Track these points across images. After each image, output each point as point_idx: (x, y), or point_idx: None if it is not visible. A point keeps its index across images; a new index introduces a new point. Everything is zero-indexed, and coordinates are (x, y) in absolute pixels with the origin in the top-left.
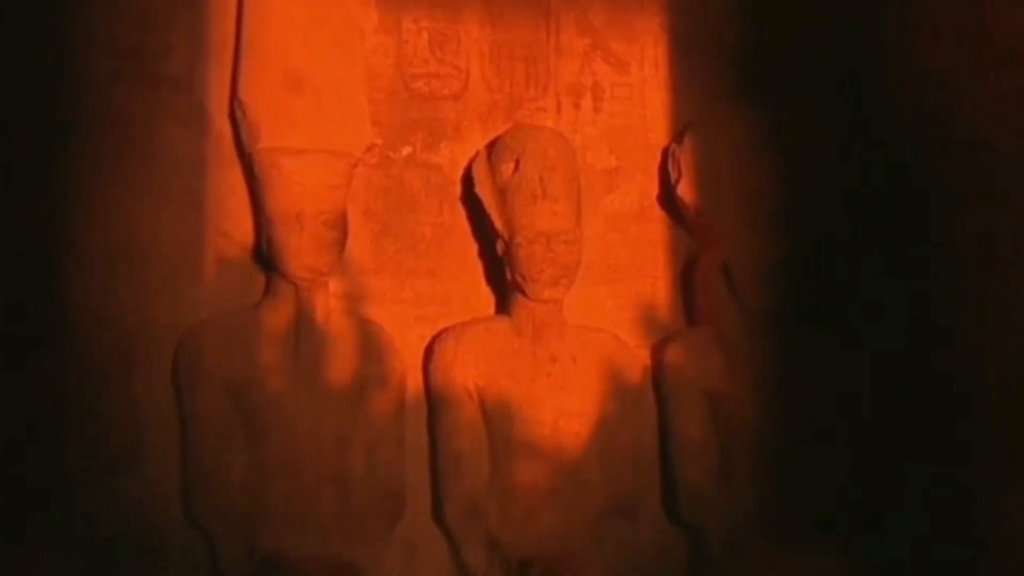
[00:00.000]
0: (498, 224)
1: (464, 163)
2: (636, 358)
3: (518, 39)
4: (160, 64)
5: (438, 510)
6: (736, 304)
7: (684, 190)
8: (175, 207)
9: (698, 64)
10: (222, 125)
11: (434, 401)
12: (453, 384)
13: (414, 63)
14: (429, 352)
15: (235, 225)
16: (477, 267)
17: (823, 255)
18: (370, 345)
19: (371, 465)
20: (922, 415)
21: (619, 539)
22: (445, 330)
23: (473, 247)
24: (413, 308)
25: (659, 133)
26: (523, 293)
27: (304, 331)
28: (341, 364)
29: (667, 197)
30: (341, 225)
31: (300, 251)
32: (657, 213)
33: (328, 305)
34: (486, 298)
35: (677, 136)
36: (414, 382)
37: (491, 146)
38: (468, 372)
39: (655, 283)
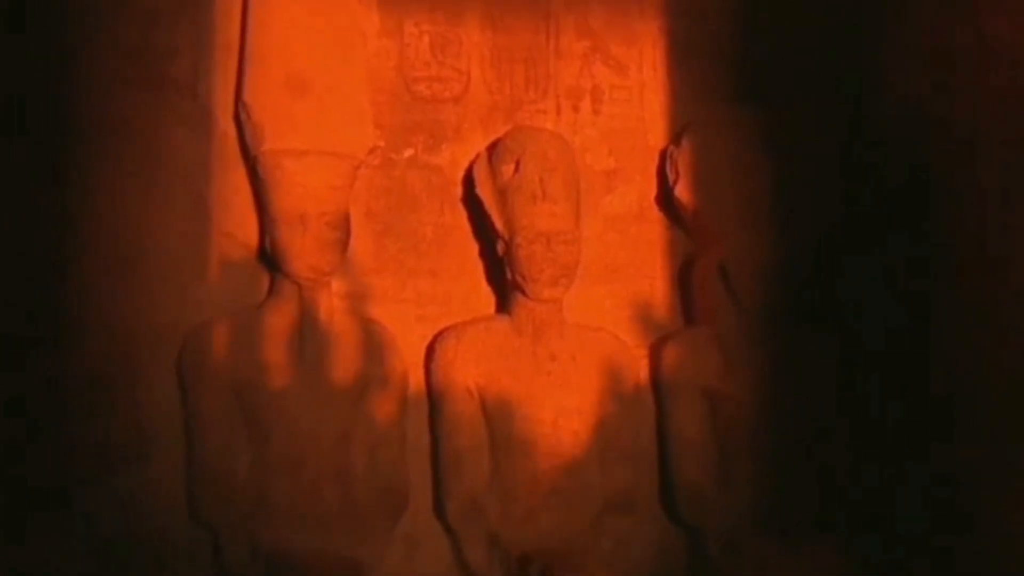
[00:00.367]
0: (498, 224)
1: (465, 164)
2: (635, 357)
3: (518, 42)
4: (165, 67)
5: (439, 507)
6: (733, 304)
7: (682, 191)
8: (180, 208)
9: (696, 67)
10: (227, 127)
11: (435, 399)
12: (454, 382)
13: (416, 66)
14: (430, 351)
15: (239, 226)
16: (478, 267)
17: (821, 255)
18: (372, 344)
19: (373, 463)
20: (921, 415)
21: (618, 536)
22: (446, 329)
23: (474, 247)
24: (415, 307)
25: (657, 135)
26: (523, 293)
27: (307, 330)
28: (344, 363)
29: (665, 198)
30: (344, 226)
31: (304, 251)
32: (655, 214)
33: (331, 305)
34: (486, 298)
35: (675, 138)
36: (415, 381)
37: (492, 148)
38: (469, 371)
39: (653, 283)
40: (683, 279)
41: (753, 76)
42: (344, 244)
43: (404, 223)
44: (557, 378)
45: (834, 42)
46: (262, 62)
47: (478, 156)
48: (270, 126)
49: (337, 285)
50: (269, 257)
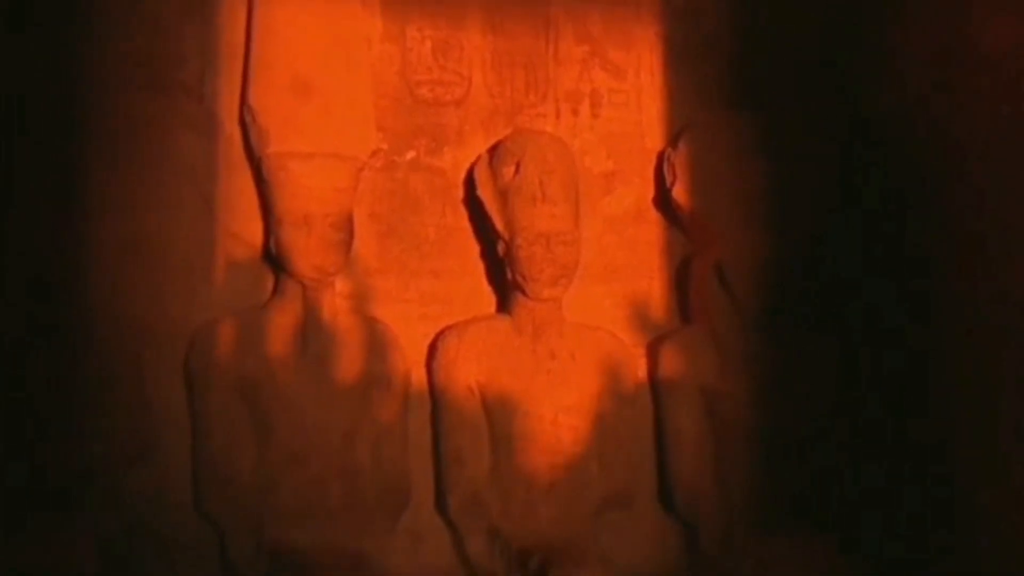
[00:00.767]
0: (499, 226)
1: (466, 167)
2: (632, 355)
3: (518, 47)
4: (173, 72)
5: (441, 502)
6: (729, 303)
7: (679, 193)
8: (187, 210)
9: (692, 71)
10: (232, 130)
11: (437, 397)
12: (455, 380)
13: (418, 70)
14: (432, 349)
15: (245, 227)
16: (479, 267)
17: (817, 255)
18: (375, 343)
19: (376, 459)
20: (919, 414)
21: (616, 530)
22: (448, 328)
23: (475, 248)
24: (417, 307)
25: (655, 138)
26: (523, 292)
27: (312, 329)
28: (347, 361)
29: (663, 200)
30: (347, 227)
31: (308, 252)
32: (653, 215)
33: (335, 304)
34: (487, 297)
35: (672, 141)
36: (418, 379)
37: (492, 150)
38: (470, 369)
39: (651, 283)
40: (680, 279)
41: (749, 79)
42: (348, 245)
43: (407, 224)
44: (557, 376)
45: (830, 45)
46: (267, 67)
47: (479, 158)
48: (275, 129)
49: (341, 285)
50: (274, 257)
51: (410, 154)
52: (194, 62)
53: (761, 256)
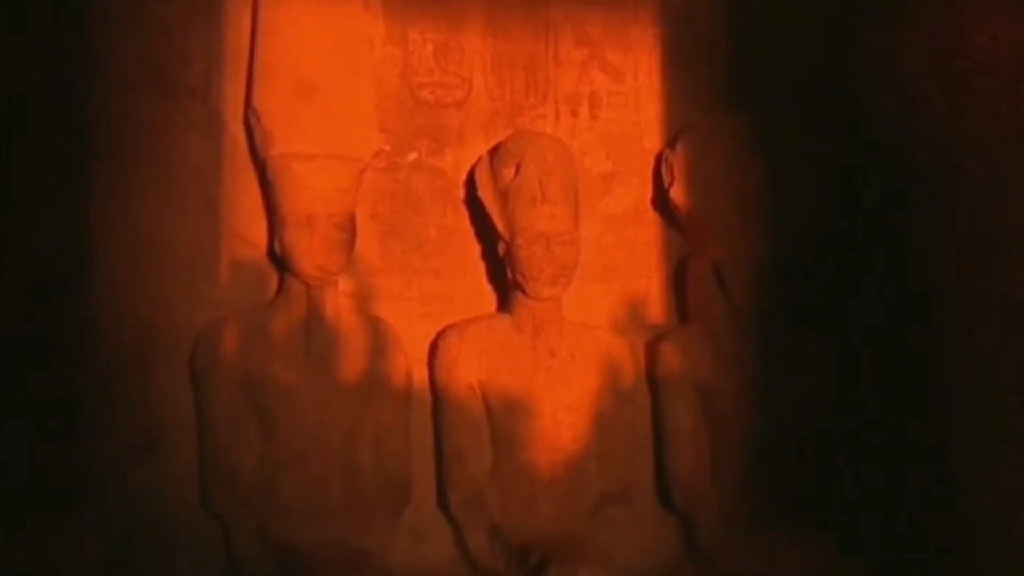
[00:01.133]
0: (499, 226)
1: (467, 168)
2: (631, 354)
3: (518, 49)
4: (178, 74)
5: (443, 499)
6: (727, 302)
7: (677, 193)
8: (192, 210)
9: (691, 73)
10: (237, 132)
11: (438, 395)
12: (456, 379)
13: (420, 73)
14: (434, 348)
15: (249, 227)
16: (479, 267)
17: (814, 255)
18: (378, 342)
19: (379, 456)
20: (919, 414)
21: (615, 527)
22: (449, 327)
23: (476, 248)
24: (418, 306)
25: (653, 139)
26: (523, 292)
27: (315, 328)
28: (350, 360)
29: (661, 200)
30: (350, 227)
31: (311, 251)
32: (651, 215)
33: (338, 303)
34: (488, 296)
35: (670, 142)
36: (419, 377)
37: (493, 152)
38: (471, 367)
39: (649, 282)
40: (678, 278)
41: (747, 81)
42: (350, 245)
43: (408, 224)
44: (556, 374)
45: (829, 46)
46: (271, 69)
47: (480, 160)
48: (279, 130)
49: (344, 284)
50: (278, 257)
51: (412, 155)
52: (199, 64)
53: (759, 256)
